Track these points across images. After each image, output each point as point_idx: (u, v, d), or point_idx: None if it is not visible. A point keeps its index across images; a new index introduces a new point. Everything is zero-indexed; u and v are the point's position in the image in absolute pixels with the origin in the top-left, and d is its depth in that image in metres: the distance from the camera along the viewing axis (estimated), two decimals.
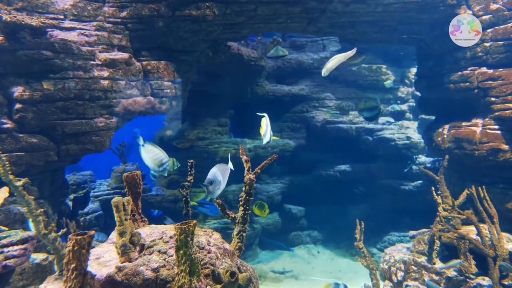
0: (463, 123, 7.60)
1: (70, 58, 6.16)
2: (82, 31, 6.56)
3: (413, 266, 6.52)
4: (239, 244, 3.88)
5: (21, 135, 5.83)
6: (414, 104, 12.69)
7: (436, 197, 6.46)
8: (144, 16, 6.82)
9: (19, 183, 4.36)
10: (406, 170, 10.21)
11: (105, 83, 6.47)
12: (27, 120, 5.83)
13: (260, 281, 8.56)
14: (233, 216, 4.02)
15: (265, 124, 5.51)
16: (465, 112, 7.69)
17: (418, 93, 10.97)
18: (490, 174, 7.24)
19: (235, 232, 3.94)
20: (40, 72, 5.96)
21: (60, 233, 4.62)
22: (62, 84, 6.06)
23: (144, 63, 7.19)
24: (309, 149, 12.30)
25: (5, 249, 4.55)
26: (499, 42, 6.94)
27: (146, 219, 3.68)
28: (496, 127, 7.03)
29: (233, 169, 4.91)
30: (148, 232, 3.31)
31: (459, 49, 7.37)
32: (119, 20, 6.84)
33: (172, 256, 2.92)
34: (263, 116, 5.58)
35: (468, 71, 7.40)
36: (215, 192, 4.38)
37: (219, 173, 4.46)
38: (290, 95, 12.46)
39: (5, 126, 5.71)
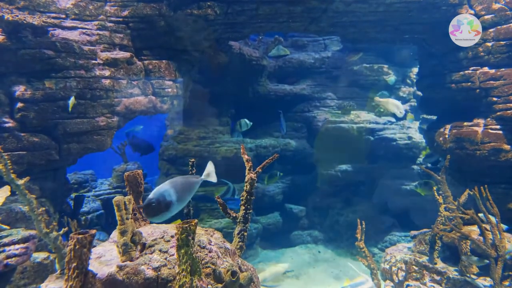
0: (465, 123, 7.57)
1: (72, 57, 6.17)
2: (84, 30, 6.56)
3: (414, 266, 6.50)
4: (240, 243, 3.88)
5: (22, 134, 5.84)
6: (416, 103, 12.66)
7: (438, 197, 6.44)
8: (145, 15, 6.82)
9: (20, 182, 4.37)
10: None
11: (107, 82, 6.48)
12: (29, 119, 5.84)
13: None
14: (234, 215, 4.02)
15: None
16: (467, 112, 7.66)
17: (419, 93, 10.93)
18: (491, 174, 7.21)
19: (236, 232, 3.94)
20: (42, 71, 5.98)
21: (61, 232, 4.63)
22: (64, 83, 6.08)
23: (146, 62, 7.19)
24: (311, 149, 12.29)
25: (7, 248, 4.58)
26: (501, 42, 6.91)
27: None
28: (498, 127, 7.00)
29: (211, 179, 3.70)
30: (150, 231, 3.31)
31: (461, 48, 7.34)
32: (120, 19, 6.85)
33: (173, 255, 2.92)
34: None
35: (470, 71, 7.38)
36: (158, 217, 3.06)
37: (172, 192, 3.12)
38: (292, 94, 12.44)
39: (6, 125, 5.72)
